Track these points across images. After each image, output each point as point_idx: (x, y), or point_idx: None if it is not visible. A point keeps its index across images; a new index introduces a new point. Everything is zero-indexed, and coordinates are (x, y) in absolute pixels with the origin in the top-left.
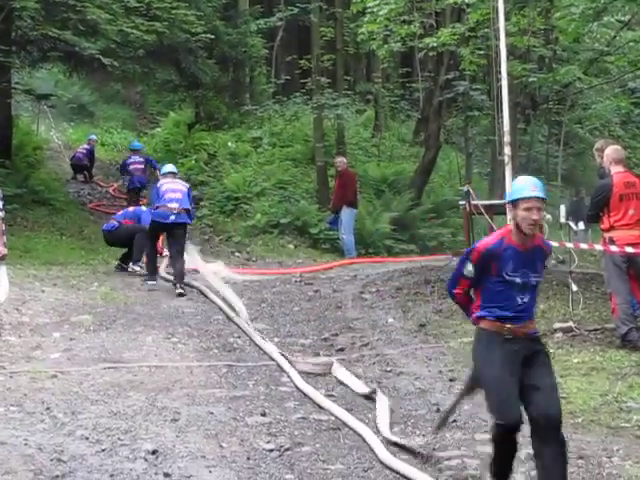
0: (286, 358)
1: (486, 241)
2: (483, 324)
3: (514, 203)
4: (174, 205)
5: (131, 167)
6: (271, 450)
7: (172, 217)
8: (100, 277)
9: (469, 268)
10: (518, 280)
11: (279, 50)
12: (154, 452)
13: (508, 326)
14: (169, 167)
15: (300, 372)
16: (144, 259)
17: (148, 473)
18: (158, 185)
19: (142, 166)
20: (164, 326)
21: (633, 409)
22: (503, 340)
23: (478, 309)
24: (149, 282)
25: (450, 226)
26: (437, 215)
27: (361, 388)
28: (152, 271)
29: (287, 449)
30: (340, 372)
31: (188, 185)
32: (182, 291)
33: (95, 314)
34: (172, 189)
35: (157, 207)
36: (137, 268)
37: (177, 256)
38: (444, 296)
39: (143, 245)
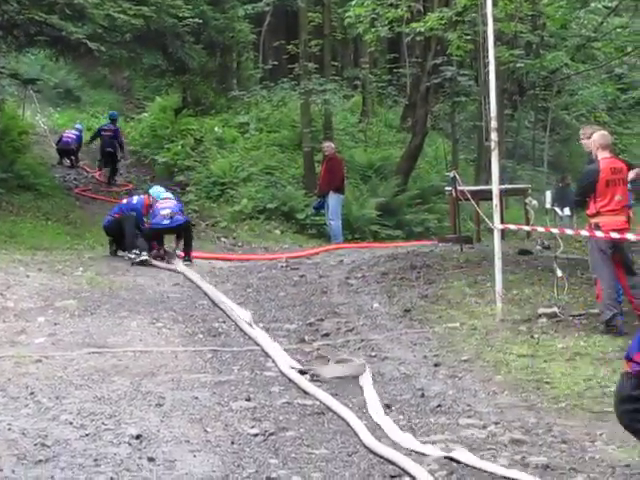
0: (303, 372)
1: None
2: None
3: None
4: (167, 212)
5: (103, 133)
6: (255, 435)
7: (166, 222)
8: (85, 262)
9: None
10: None
11: (266, 35)
12: (138, 437)
13: None
14: (163, 192)
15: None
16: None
17: (132, 457)
18: (154, 208)
19: (111, 134)
20: (149, 311)
21: None
22: None
23: None
24: (137, 260)
25: (436, 212)
26: (423, 201)
27: (375, 408)
28: (131, 246)
29: (271, 434)
30: (366, 383)
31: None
32: (188, 262)
33: (80, 299)
34: (164, 205)
35: (155, 217)
36: (132, 255)
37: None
38: (429, 281)
39: (133, 230)
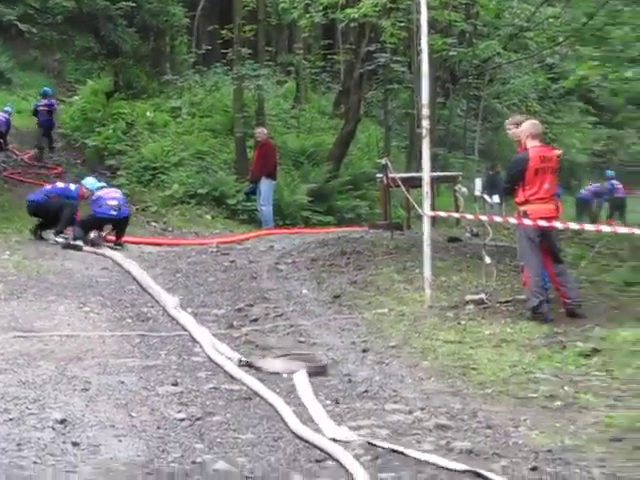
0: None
1: None
2: None
3: None
4: (114, 203)
5: (40, 108)
6: (182, 419)
7: (113, 212)
8: (12, 246)
9: None
10: None
11: (200, 19)
12: (63, 421)
13: None
14: (97, 182)
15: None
16: (66, 231)
17: (56, 442)
18: (95, 198)
19: (47, 109)
20: (77, 295)
21: (541, 380)
22: None
23: None
24: (71, 243)
25: (367, 198)
26: (355, 187)
27: (316, 410)
28: (62, 232)
29: (198, 418)
30: (300, 383)
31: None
32: (119, 247)
33: (6, 283)
34: (111, 195)
35: (100, 206)
36: (60, 240)
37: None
38: (359, 267)
39: (70, 219)
